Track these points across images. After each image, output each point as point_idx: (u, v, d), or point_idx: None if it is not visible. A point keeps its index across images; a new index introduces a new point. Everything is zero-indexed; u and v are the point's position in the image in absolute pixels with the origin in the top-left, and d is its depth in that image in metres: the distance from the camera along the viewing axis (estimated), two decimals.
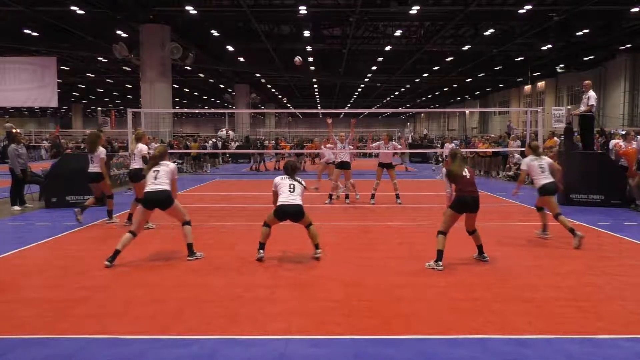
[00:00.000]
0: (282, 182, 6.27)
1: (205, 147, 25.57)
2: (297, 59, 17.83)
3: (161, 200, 6.18)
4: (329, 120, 11.65)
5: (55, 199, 10.69)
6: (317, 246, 6.32)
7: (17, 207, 10.54)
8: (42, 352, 3.65)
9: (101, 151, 8.64)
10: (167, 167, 6.39)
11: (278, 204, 6.18)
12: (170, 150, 20.49)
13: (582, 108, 11.42)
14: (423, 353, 3.63)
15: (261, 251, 6.23)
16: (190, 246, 6.37)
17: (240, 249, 6.96)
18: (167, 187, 6.23)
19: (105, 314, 4.41)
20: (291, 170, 6.39)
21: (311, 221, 6.31)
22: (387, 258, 6.39)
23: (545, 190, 7.21)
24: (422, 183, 16.58)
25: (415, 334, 3.96)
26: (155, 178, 6.22)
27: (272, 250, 6.87)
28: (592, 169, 10.69)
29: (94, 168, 8.66)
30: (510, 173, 17.41)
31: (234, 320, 4.27)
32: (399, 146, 12.64)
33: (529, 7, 20.05)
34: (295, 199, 6.14)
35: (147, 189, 6.22)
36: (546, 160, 7.38)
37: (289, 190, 6.17)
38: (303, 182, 6.38)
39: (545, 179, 7.21)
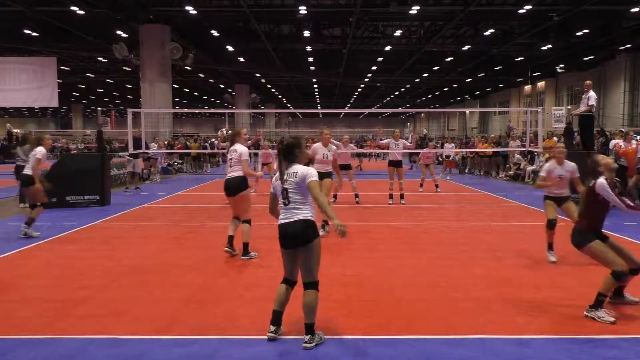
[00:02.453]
0: (275, 183, 4.02)
1: (206, 147, 25.54)
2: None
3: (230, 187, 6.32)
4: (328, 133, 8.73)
5: (55, 199, 10.67)
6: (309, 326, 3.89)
7: (25, 205, 10.71)
8: (42, 352, 3.65)
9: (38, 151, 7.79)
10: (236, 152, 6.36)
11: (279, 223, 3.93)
12: (170, 151, 20.60)
13: (582, 108, 11.42)
14: (423, 353, 3.63)
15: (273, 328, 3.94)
16: (245, 246, 6.37)
17: (241, 249, 6.95)
18: (238, 174, 6.30)
19: (105, 314, 4.41)
20: (286, 155, 3.96)
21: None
22: (387, 258, 6.39)
23: (547, 195, 6.60)
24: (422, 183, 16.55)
25: (415, 334, 3.96)
26: (230, 165, 6.41)
27: (272, 250, 6.86)
28: None
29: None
30: (510, 173, 17.42)
31: (234, 320, 4.27)
32: (409, 144, 12.22)
33: (529, 7, 20.03)
34: (298, 213, 3.84)
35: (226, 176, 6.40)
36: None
37: (284, 202, 3.90)
38: (300, 169, 3.90)
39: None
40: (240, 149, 6.41)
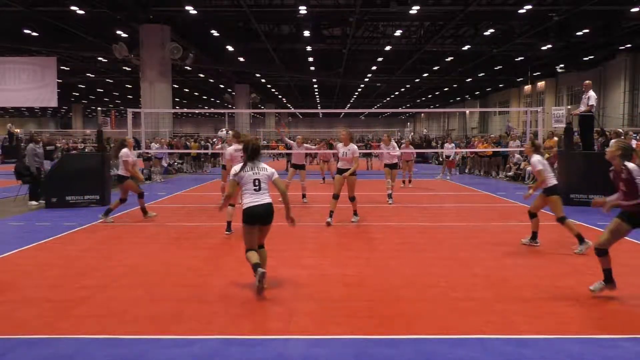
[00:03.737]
0: (245, 174, 4.96)
1: (207, 147, 25.51)
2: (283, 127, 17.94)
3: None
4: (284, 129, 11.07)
5: (55, 199, 10.68)
6: (260, 266, 4.84)
7: (34, 203, 11.08)
8: (42, 352, 3.65)
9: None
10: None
11: (245, 206, 4.90)
12: (170, 150, 20.60)
13: (582, 108, 11.42)
14: (423, 353, 3.63)
15: (259, 279, 4.77)
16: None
17: (241, 249, 6.95)
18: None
19: (105, 314, 4.41)
20: (251, 153, 5.01)
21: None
22: (387, 258, 6.39)
23: (555, 190, 6.88)
24: (422, 183, 16.57)
25: (415, 334, 3.96)
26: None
27: (272, 250, 6.87)
28: (592, 169, 10.68)
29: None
30: (510, 173, 17.42)
31: (234, 320, 4.27)
32: (397, 150, 12.63)
33: (529, 7, 20.05)
34: (265, 197, 4.94)
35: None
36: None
37: (255, 189, 4.93)
38: (268, 168, 5.07)
39: (554, 178, 6.99)
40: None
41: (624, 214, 4.73)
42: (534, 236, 7.09)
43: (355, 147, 8.63)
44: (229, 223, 7.65)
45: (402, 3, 20.26)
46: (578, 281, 5.36)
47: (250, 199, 4.93)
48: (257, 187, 4.96)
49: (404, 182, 15.18)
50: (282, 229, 7.99)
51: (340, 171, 8.59)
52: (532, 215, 7.10)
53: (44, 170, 11.52)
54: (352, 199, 8.74)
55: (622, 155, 4.72)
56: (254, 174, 4.99)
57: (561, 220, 6.70)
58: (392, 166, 11.81)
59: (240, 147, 7.01)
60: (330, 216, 8.60)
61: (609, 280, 4.82)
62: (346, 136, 8.68)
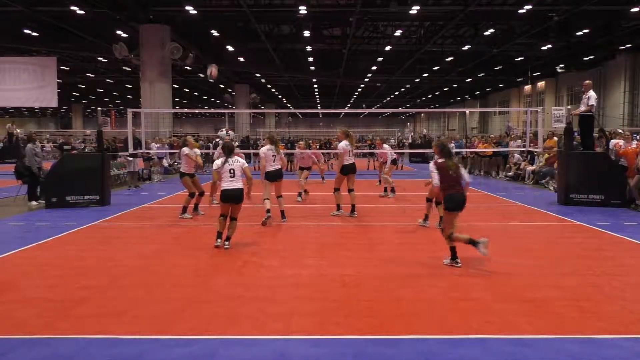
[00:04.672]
0: (222, 167, 6.86)
1: (208, 148, 25.46)
2: (212, 70, 18.46)
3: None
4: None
5: (55, 199, 10.68)
6: (228, 238, 6.85)
7: (34, 203, 11.09)
8: (42, 352, 3.65)
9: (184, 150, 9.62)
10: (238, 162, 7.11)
11: (221, 188, 6.85)
12: (170, 150, 20.60)
13: (582, 108, 11.42)
14: (423, 353, 3.63)
15: (218, 240, 6.83)
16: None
17: (241, 249, 6.96)
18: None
19: (105, 314, 4.41)
20: (228, 151, 6.97)
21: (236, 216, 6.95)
22: (387, 258, 6.39)
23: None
24: (422, 183, 16.55)
25: (415, 334, 3.96)
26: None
27: (273, 250, 6.88)
28: (592, 169, 10.69)
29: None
30: (510, 173, 17.41)
31: (234, 320, 4.27)
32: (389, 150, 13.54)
33: (529, 7, 20.04)
34: (237, 183, 6.82)
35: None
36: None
37: (230, 176, 6.80)
38: (240, 160, 7.08)
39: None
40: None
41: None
42: (426, 218, 8.40)
43: (340, 144, 9.34)
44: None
45: (402, 3, 20.25)
46: (578, 281, 5.36)
47: (228, 184, 6.76)
48: (232, 174, 6.80)
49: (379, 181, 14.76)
50: (283, 229, 8.02)
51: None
52: (430, 199, 8.18)
53: (43, 170, 11.53)
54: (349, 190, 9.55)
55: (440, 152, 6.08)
56: (229, 165, 6.84)
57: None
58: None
59: (272, 147, 8.72)
60: (339, 209, 9.60)
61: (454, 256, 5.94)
62: (341, 134, 9.72)
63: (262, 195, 8.80)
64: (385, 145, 14.00)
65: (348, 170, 9.28)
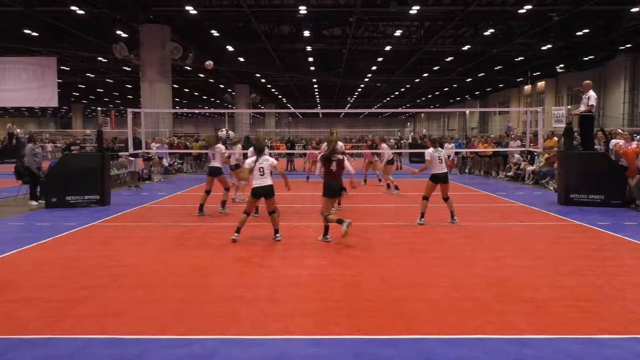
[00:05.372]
0: (253, 165, 7.23)
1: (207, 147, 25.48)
2: (208, 63, 19.03)
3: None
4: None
5: (55, 199, 10.68)
6: (276, 231, 7.35)
7: (34, 203, 11.10)
8: (42, 352, 3.65)
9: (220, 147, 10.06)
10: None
11: (252, 186, 7.25)
12: (170, 150, 20.60)
13: (582, 108, 11.42)
14: (423, 353, 3.63)
15: (236, 234, 7.25)
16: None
17: (241, 249, 6.97)
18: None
19: (105, 314, 4.41)
20: (259, 151, 7.36)
21: (275, 209, 7.33)
22: (387, 258, 6.39)
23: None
24: (422, 183, 16.56)
25: (415, 334, 3.96)
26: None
27: (273, 250, 6.88)
28: (592, 169, 10.69)
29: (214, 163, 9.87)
30: (510, 173, 17.42)
31: (234, 320, 4.27)
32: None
33: (529, 7, 20.04)
34: (267, 181, 7.18)
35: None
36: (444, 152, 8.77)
37: (260, 174, 7.17)
38: (270, 159, 7.41)
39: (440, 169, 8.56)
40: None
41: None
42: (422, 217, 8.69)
43: (324, 145, 10.16)
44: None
45: (402, 3, 20.24)
46: (578, 281, 5.36)
47: (259, 181, 7.15)
48: (262, 172, 7.16)
49: (365, 180, 15.18)
50: (283, 229, 8.00)
51: None
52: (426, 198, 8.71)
53: (42, 170, 11.52)
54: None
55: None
56: (258, 164, 7.20)
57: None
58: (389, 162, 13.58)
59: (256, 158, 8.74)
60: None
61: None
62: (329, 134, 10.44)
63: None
64: (384, 145, 14.02)
65: None
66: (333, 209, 9.79)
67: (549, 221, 9.17)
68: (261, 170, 7.15)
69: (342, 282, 5.35)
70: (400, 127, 56.11)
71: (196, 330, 4.05)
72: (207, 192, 9.77)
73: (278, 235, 7.33)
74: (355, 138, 42.85)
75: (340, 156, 7.41)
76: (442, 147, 9.17)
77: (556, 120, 16.85)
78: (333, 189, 7.33)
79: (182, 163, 22.51)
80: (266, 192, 7.16)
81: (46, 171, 11.61)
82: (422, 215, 8.67)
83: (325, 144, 10.37)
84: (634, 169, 10.56)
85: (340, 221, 6.97)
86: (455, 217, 8.75)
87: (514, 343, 3.79)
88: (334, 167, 7.33)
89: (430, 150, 8.73)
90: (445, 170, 8.66)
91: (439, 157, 8.62)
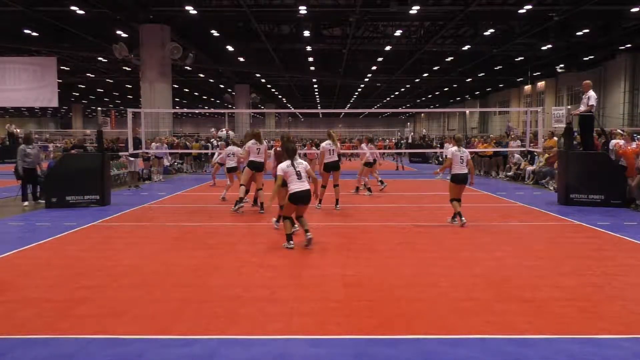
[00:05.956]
0: (289, 169, 6.81)
1: (207, 147, 25.48)
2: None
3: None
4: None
5: (55, 199, 10.68)
6: (307, 230, 6.89)
7: (25, 203, 11.02)
8: (42, 352, 3.65)
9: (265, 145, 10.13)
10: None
11: (291, 191, 6.76)
12: (170, 150, 20.61)
13: (582, 108, 11.42)
14: (423, 353, 3.63)
15: (291, 242, 6.80)
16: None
17: (240, 249, 6.97)
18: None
19: (105, 314, 4.41)
20: (292, 154, 6.92)
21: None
22: (387, 258, 6.39)
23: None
24: (422, 183, 16.59)
25: (415, 334, 3.96)
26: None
27: (273, 250, 6.87)
28: (592, 169, 10.68)
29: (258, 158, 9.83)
30: (510, 173, 17.42)
31: (234, 320, 4.27)
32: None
33: (529, 7, 20.04)
34: (306, 185, 6.84)
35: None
36: (466, 152, 8.61)
37: (297, 178, 6.78)
38: (303, 162, 7.01)
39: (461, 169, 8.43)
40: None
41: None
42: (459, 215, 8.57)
43: (322, 144, 10.30)
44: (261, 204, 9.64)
45: (402, 3, 20.24)
46: (578, 281, 5.36)
47: (297, 185, 6.76)
48: (299, 176, 6.81)
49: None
50: (282, 229, 7.99)
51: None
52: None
53: (40, 171, 11.47)
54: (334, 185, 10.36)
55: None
56: (295, 167, 6.84)
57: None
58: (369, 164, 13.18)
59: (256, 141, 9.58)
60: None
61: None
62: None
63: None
64: (363, 146, 13.64)
65: (330, 168, 10.27)
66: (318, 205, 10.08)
67: (549, 221, 9.17)
68: (298, 174, 6.78)
69: (342, 282, 5.35)
70: (400, 127, 56.01)
71: (196, 330, 4.05)
72: (244, 186, 9.91)
73: (309, 234, 6.86)
74: (355, 138, 42.78)
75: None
76: (460, 147, 8.72)
77: (556, 120, 16.87)
78: (301, 197, 6.86)
79: (182, 163, 22.51)
80: (306, 197, 6.80)
81: (46, 171, 11.61)
82: (460, 215, 8.47)
83: (323, 143, 10.40)
84: (634, 169, 10.56)
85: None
86: (463, 218, 8.53)
87: (514, 343, 3.79)
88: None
89: (454, 149, 8.53)
90: (466, 171, 8.45)
91: (460, 157, 8.40)
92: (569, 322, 4.22)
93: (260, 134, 10.11)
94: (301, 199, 6.76)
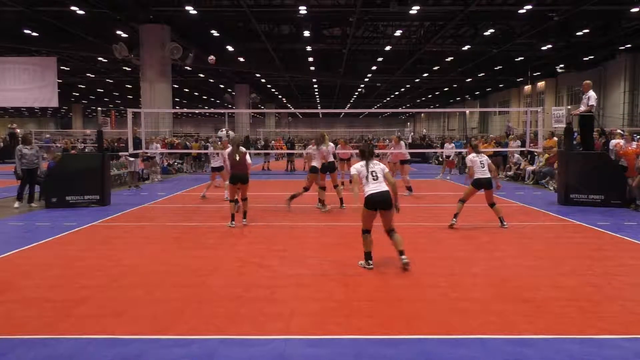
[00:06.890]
0: (362, 169, 6.02)
1: (207, 147, 25.49)
2: (211, 58, 19.49)
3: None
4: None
5: (55, 199, 10.68)
6: (401, 252, 5.90)
7: (16, 204, 10.86)
8: (42, 352, 3.65)
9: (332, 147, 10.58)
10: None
11: (365, 194, 5.89)
12: (170, 150, 20.61)
13: (582, 108, 11.41)
14: (423, 353, 3.63)
15: (370, 262, 5.91)
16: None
17: (240, 249, 6.97)
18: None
19: (105, 314, 4.41)
20: (368, 155, 6.11)
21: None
22: (387, 258, 6.38)
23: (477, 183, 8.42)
24: (422, 183, 16.59)
25: (415, 334, 3.96)
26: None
27: (273, 250, 6.87)
28: (592, 169, 10.68)
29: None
30: (510, 173, 17.42)
31: (233, 320, 4.27)
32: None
33: (529, 7, 20.04)
34: (383, 186, 5.92)
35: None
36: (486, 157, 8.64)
37: (373, 179, 5.94)
38: (380, 164, 6.20)
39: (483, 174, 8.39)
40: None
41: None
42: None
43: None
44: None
45: (402, 3, 20.23)
46: (578, 281, 5.36)
47: (372, 187, 5.93)
48: (375, 177, 6.00)
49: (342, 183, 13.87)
50: (283, 229, 8.01)
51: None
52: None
53: (40, 172, 11.44)
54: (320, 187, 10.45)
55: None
56: (368, 167, 6.07)
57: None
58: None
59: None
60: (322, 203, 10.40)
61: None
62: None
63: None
64: (402, 144, 14.24)
65: (326, 169, 10.55)
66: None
67: (549, 221, 9.17)
68: (374, 174, 5.92)
69: (342, 282, 5.35)
70: (400, 127, 56.01)
71: (196, 330, 4.05)
72: (306, 189, 10.24)
73: (404, 257, 5.85)
74: (355, 138, 42.79)
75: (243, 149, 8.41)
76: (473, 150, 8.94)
77: (556, 120, 16.83)
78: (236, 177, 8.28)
79: (182, 163, 22.51)
80: (384, 201, 5.83)
81: (46, 171, 11.60)
82: (455, 216, 8.43)
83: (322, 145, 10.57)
84: (634, 169, 10.56)
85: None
86: (505, 222, 8.42)
87: (514, 343, 3.79)
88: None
89: (472, 155, 8.56)
90: (488, 175, 8.38)
91: (480, 161, 8.41)
92: (569, 322, 4.22)
93: (325, 135, 10.64)
94: (378, 202, 5.81)
